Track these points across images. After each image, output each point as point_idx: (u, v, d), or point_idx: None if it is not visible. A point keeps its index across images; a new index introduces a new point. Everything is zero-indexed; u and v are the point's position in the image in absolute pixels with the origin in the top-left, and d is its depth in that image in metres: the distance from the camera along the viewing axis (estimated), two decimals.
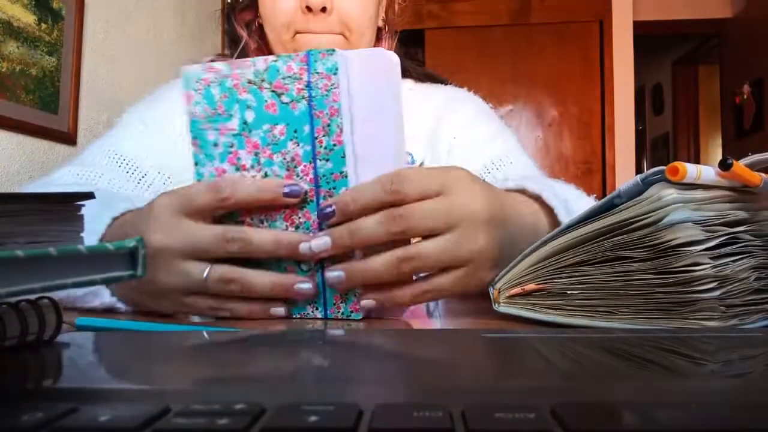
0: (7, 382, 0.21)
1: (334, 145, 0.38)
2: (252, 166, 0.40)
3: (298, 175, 0.39)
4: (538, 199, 0.48)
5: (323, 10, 0.66)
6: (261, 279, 0.39)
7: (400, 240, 0.38)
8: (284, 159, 0.39)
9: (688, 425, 0.15)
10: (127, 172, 0.68)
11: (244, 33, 0.75)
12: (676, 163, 0.31)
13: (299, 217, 0.40)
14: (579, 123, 2.97)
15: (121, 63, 1.79)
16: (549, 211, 0.47)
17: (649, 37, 3.59)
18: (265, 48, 0.75)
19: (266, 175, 0.40)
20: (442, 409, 0.16)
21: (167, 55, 2.09)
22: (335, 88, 0.37)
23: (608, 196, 0.34)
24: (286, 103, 0.39)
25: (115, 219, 0.45)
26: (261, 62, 0.39)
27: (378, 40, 0.78)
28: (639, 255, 0.32)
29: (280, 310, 0.40)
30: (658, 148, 5.08)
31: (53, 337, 0.27)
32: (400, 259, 0.37)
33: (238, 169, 0.41)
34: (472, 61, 3.02)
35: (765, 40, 3.12)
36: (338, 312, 0.41)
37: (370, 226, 0.37)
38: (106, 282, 0.20)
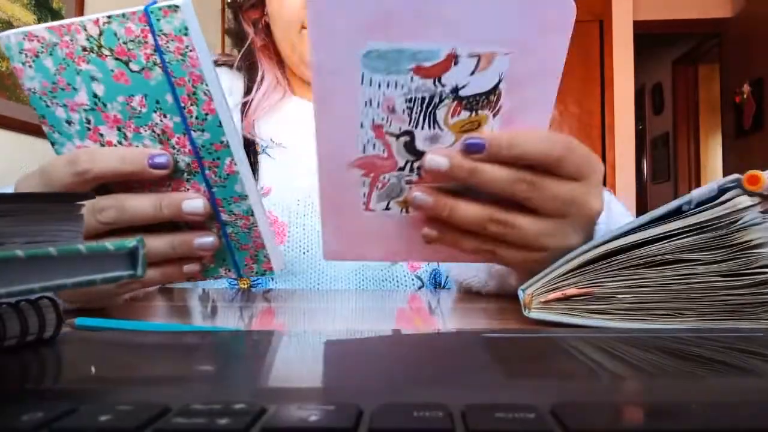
0: (7, 382, 0.21)
1: (206, 114, 0.34)
2: (119, 143, 0.36)
3: (173, 147, 0.35)
4: None
5: None
6: (158, 240, 0.36)
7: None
8: (153, 132, 0.35)
9: (688, 425, 0.15)
10: None
11: (250, 30, 0.75)
12: (756, 173, 0.31)
13: (186, 190, 0.36)
14: (579, 122, 2.98)
15: None
16: None
17: (649, 37, 3.59)
18: (271, 46, 0.75)
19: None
20: (442, 409, 0.16)
21: None
22: (190, 50, 0.32)
23: (676, 201, 0.34)
24: (137, 72, 0.33)
25: None
26: (92, 25, 0.32)
27: None
28: (706, 257, 0.32)
29: (193, 267, 0.38)
30: (658, 148, 5.08)
31: (53, 337, 0.27)
32: (492, 219, 0.34)
33: (103, 146, 0.36)
34: None
35: (765, 40, 3.12)
36: (252, 272, 0.40)
37: (500, 176, 0.33)
38: (106, 282, 0.20)
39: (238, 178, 0.36)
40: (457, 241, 0.36)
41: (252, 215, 0.37)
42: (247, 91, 0.73)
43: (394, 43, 0.28)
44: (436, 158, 0.32)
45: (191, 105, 0.33)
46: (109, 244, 0.20)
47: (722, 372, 0.23)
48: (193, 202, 0.35)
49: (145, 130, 0.35)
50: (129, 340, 0.30)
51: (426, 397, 0.17)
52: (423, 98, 0.31)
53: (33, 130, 1.40)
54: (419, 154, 0.33)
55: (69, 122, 0.36)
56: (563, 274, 0.36)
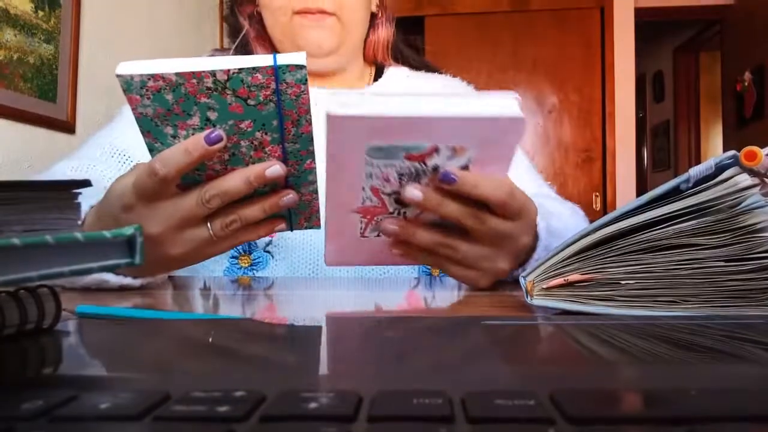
0: (6, 371, 0.21)
1: (302, 133, 0.41)
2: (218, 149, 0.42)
3: (265, 153, 0.42)
4: None
5: None
6: (252, 208, 0.44)
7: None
8: (252, 143, 0.41)
9: (686, 411, 0.15)
10: (119, 162, 0.69)
11: (246, 23, 0.79)
12: (753, 149, 0.30)
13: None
14: (579, 110, 2.96)
15: (119, 51, 1.78)
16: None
17: (650, 24, 3.56)
18: (264, 35, 0.78)
19: (233, 155, 0.41)
20: (442, 396, 0.16)
21: (165, 43, 2.07)
22: (304, 94, 0.39)
23: (674, 181, 0.33)
24: (253, 105, 0.39)
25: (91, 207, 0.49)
26: (222, 73, 0.37)
27: (372, 27, 0.82)
28: (709, 242, 0.31)
29: (281, 226, 0.47)
30: (659, 136, 5.07)
31: (52, 325, 0.27)
32: (442, 244, 0.44)
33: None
34: (473, 48, 3.00)
35: (766, 27, 3.10)
36: (301, 227, 0.50)
37: (456, 211, 0.42)
38: (104, 270, 0.20)
39: (313, 171, 0.44)
40: (416, 257, 0.47)
41: (316, 192, 0.46)
42: None
43: (391, 142, 0.38)
44: (413, 191, 0.41)
45: (292, 127, 0.41)
46: (107, 232, 0.20)
47: (722, 359, 0.23)
48: (273, 169, 0.42)
49: (245, 142, 0.41)
50: (129, 327, 0.30)
51: (426, 384, 0.17)
52: (411, 172, 0.40)
53: (31, 118, 1.39)
54: (404, 204, 0.43)
55: (174, 137, 0.41)
56: (565, 259, 0.35)
